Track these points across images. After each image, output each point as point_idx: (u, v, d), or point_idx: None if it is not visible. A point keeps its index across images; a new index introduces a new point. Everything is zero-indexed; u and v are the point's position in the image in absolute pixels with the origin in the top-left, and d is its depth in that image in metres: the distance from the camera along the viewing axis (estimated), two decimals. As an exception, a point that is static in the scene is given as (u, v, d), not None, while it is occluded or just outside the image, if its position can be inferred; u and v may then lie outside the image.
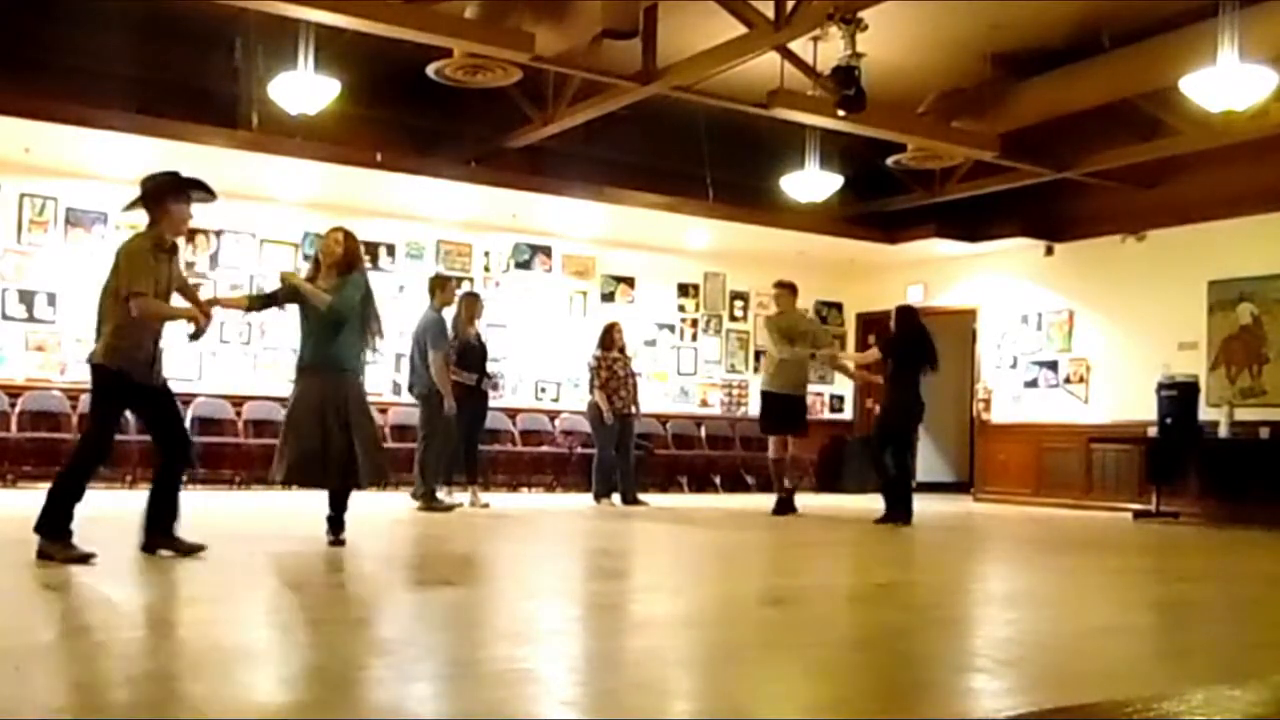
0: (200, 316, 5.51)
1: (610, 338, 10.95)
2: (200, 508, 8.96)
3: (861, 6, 7.92)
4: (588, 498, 11.27)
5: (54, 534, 5.21)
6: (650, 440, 13.32)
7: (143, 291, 5.27)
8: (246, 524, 7.99)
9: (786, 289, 10.09)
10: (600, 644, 3.86)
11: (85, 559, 5.06)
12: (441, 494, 9.24)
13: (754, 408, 14.48)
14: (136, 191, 5.48)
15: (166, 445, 5.59)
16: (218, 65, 10.11)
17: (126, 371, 5.30)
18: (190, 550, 5.38)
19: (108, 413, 5.42)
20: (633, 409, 11.00)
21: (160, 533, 5.46)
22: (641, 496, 10.94)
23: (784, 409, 9.88)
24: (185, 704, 2.70)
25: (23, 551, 5.34)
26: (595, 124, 10.55)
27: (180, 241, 5.90)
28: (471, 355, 9.61)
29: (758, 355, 14.68)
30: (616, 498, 10.79)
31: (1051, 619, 4.71)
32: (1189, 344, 11.57)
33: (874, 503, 9.79)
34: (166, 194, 5.41)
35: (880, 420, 9.62)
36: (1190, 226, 11.56)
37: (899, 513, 9.09)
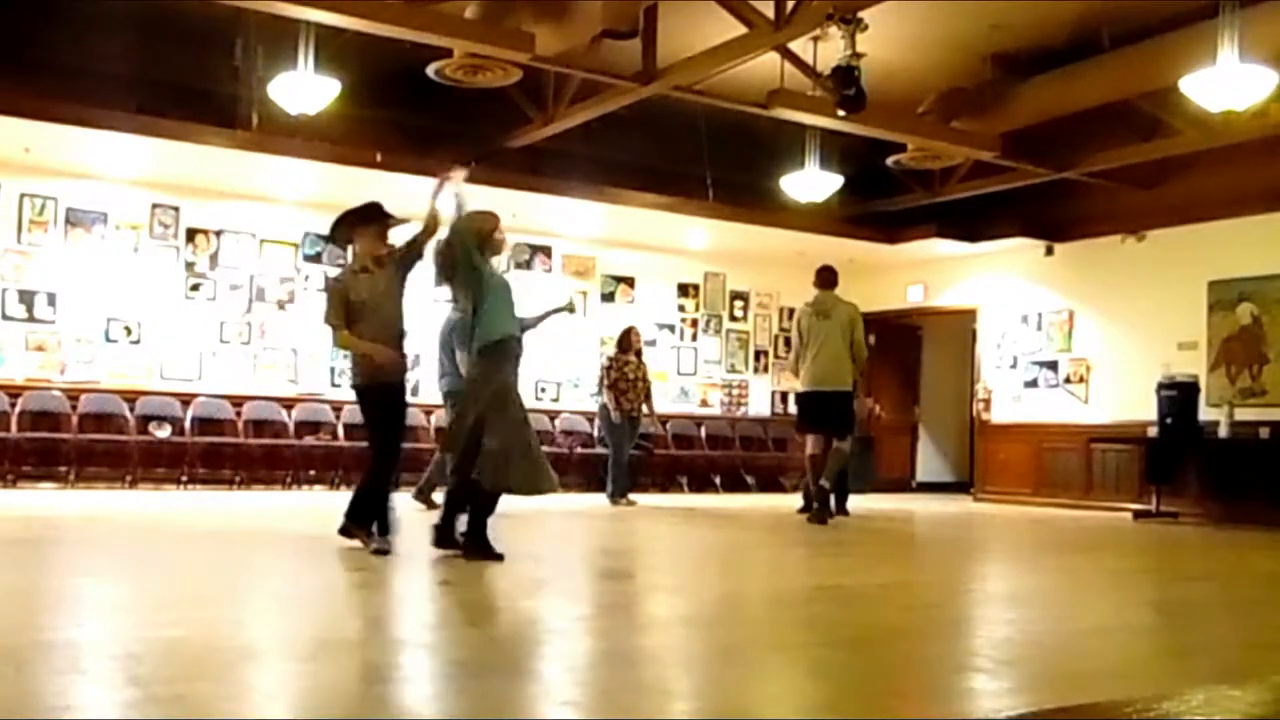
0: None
1: (627, 340, 11.22)
2: (200, 507, 8.98)
3: (861, 6, 7.92)
4: (588, 497, 11.27)
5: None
6: (650, 440, 13.33)
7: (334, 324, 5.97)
8: (247, 522, 7.98)
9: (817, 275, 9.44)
10: (601, 644, 3.86)
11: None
12: (440, 495, 9.22)
13: (754, 407, 14.58)
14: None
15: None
16: (218, 65, 10.09)
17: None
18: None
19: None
20: (641, 411, 11.11)
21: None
22: (633, 496, 11.05)
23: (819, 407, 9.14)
24: (187, 704, 2.70)
25: (27, 550, 5.33)
26: (595, 124, 10.54)
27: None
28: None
29: (758, 355, 14.70)
30: (633, 496, 10.96)
31: (1051, 619, 4.71)
32: (1189, 344, 11.57)
33: (875, 503, 9.80)
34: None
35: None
36: (1190, 226, 11.56)
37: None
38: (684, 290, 14.16)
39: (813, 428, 9.28)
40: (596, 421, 11.78)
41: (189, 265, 11.33)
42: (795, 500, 10.31)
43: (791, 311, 14.59)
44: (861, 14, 7.94)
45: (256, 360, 11.59)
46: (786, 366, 9.67)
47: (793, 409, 14.14)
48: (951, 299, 14.23)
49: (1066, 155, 11.32)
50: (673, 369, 14.01)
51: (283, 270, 11.74)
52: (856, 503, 10.32)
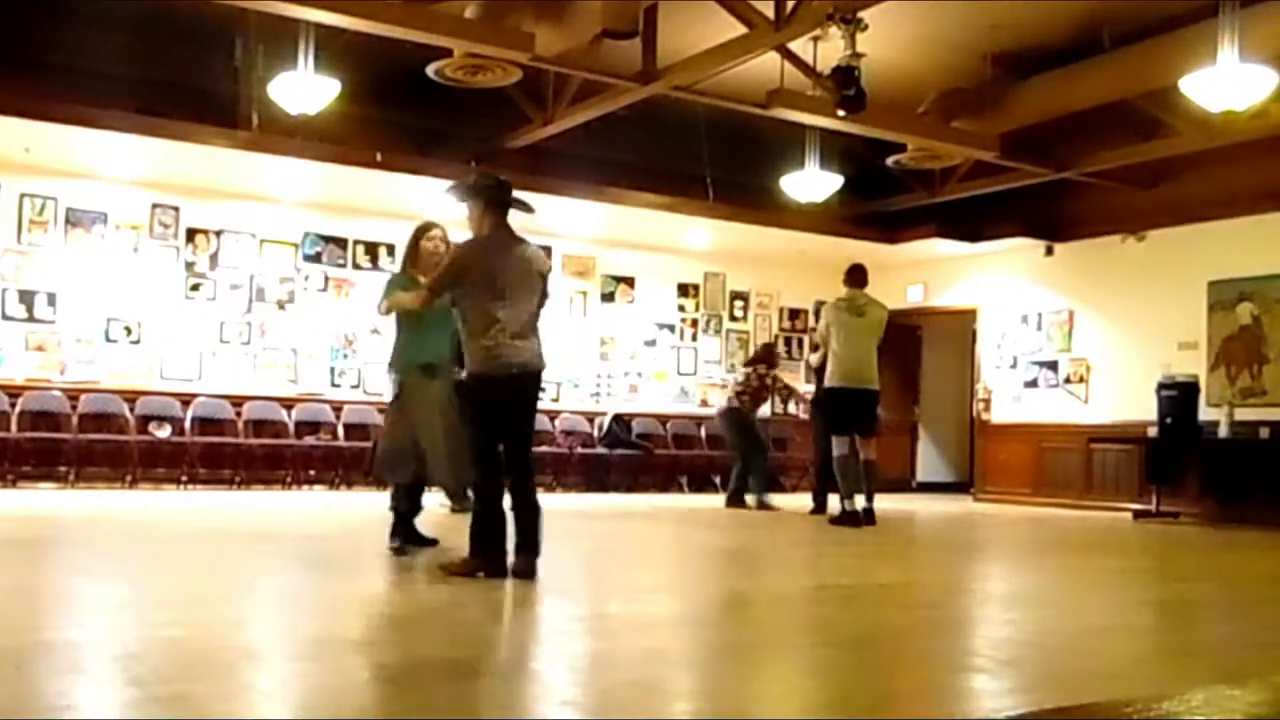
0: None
1: (774, 355, 11.54)
2: (200, 507, 8.98)
3: (861, 6, 7.92)
4: (588, 498, 11.25)
5: None
6: (650, 440, 13.33)
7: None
8: (247, 522, 7.98)
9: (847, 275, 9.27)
10: (600, 644, 3.86)
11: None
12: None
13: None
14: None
15: None
16: (218, 65, 10.10)
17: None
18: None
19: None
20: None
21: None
22: (634, 496, 11.07)
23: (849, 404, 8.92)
24: (187, 704, 2.70)
25: (27, 550, 5.32)
26: (595, 124, 10.55)
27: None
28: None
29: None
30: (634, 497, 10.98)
31: (1051, 619, 4.71)
32: (1189, 344, 11.57)
33: (875, 503, 9.79)
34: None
35: None
36: (1190, 226, 11.56)
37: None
38: (684, 290, 14.15)
39: (845, 426, 8.86)
40: (730, 429, 11.24)
41: (189, 265, 11.32)
42: (796, 500, 10.30)
43: (793, 312, 14.72)
44: (861, 14, 7.94)
45: (256, 360, 11.59)
46: (807, 361, 9.49)
47: (793, 409, 14.14)
48: (951, 299, 14.23)
49: (1066, 155, 11.32)
50: (673, 369, 14.01)
51: (283, 270, 11.74)
52: (856, 503, 10.29)
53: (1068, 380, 12.92)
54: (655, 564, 6.78)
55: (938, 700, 3.06)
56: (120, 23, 9.45)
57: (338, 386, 11.93)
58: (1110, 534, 9.47)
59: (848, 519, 8.72)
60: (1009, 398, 13.49)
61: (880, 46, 8.80)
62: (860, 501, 8.84)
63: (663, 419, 13.68)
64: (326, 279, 11.95)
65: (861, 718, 2.76)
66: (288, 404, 11.58)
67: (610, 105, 9.92)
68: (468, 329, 5.06)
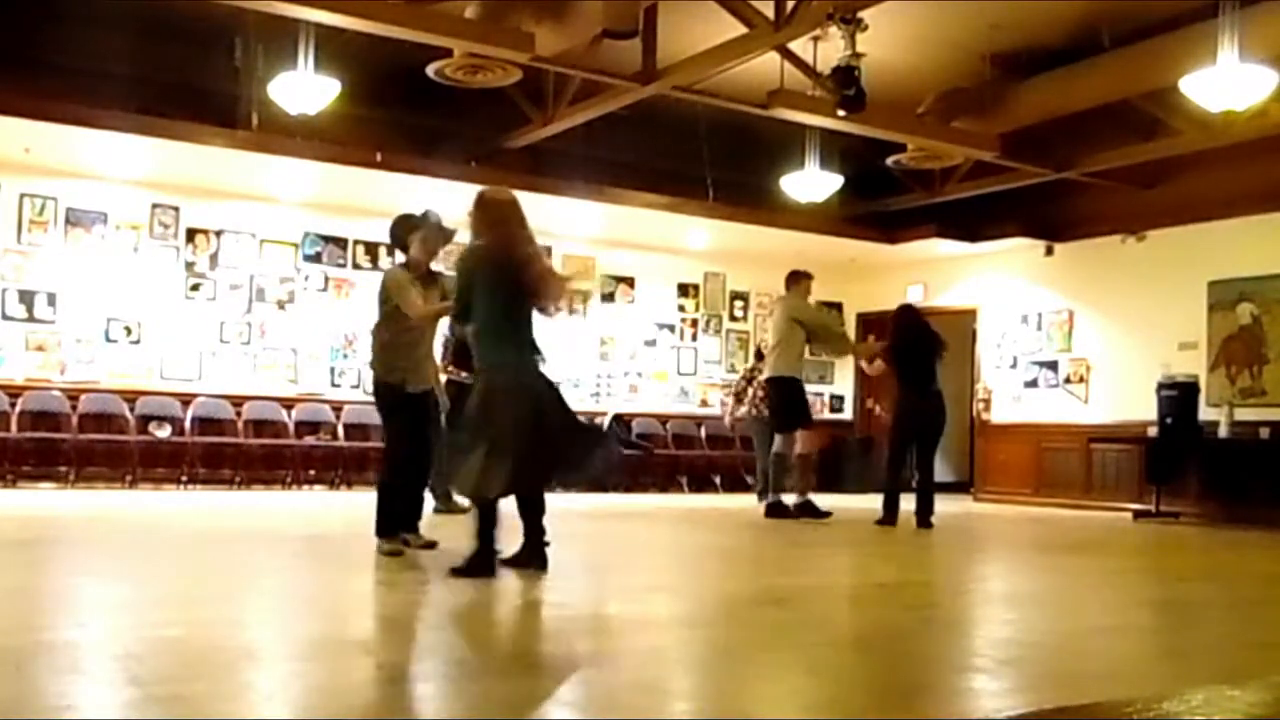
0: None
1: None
2: (200, 507, 8.98)
3: (861, 6, 7.93)
4: (589, 498, 11.23)
5: (385, 533, 5.76)
6: (650, 440, 13.33)
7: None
8: (247, 522, 7.99)
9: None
10: (600, 644, 3.86)
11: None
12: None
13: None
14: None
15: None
16: (218, 65, 10.11)
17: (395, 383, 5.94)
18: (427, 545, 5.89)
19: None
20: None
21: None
22: (632, 497, 11.00)
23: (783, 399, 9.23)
24: (186, 704, 2.70)
25: (27, 550, 5.32)
26: (595, 124, 10.55)
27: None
28: (468, 353, 9.57)
29: (759, 355, 14.68)
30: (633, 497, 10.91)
31: (1051, 619, 4.71)
32: (1189, 344, 11.57)
33: (875, 503, 9.80)
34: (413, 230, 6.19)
35: (891, 426, 9.43)
36: (1190, 226, 11.57)
37: (893, 516, 8.87)
38: (684, 290, 14.16)
39: (779, 424, 9.35)
40: (756, 431, 11.25)
41: (189, 265, 11.33)
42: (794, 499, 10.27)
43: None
44: (861, 14, 7.95)
45: (256, 360, 11.59)
46: None
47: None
48: (951, 299, 14.22)
49: (1066, 155, 11.32)
50: (673, 369, 14.01)
51: (283, 270, 11.75)
52: (857, 502, 10.30)
53: (1068, 380, 12.92)
54: (655, 564, 6.78)
55: (937, 700, 3.06)
56: (120, 23, 9.45)
57: (338, 386, 11.93)
58: (1110, 534, 9.46)
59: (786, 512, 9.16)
60: (1009, 398, 13.49)
61: (880, 46, 8.81)
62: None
63: (663, 419, 13.68)
64: (326, 279, 11.95)
65: (861, 718, 2.76)
66: (288, 404, 11.59)
67: (610, 105, 9.93)
68: None
